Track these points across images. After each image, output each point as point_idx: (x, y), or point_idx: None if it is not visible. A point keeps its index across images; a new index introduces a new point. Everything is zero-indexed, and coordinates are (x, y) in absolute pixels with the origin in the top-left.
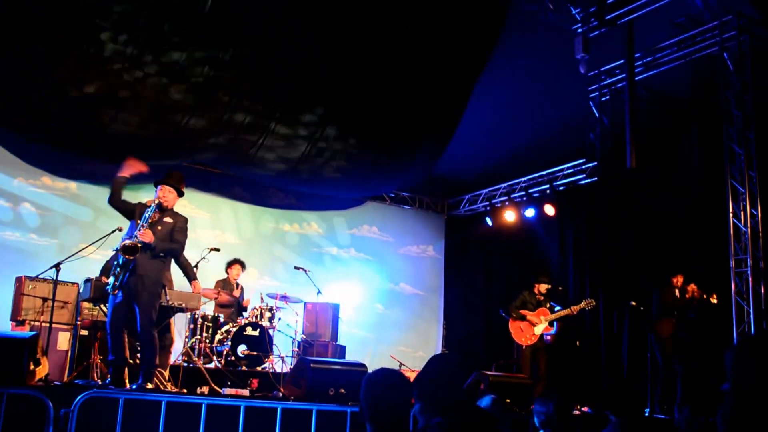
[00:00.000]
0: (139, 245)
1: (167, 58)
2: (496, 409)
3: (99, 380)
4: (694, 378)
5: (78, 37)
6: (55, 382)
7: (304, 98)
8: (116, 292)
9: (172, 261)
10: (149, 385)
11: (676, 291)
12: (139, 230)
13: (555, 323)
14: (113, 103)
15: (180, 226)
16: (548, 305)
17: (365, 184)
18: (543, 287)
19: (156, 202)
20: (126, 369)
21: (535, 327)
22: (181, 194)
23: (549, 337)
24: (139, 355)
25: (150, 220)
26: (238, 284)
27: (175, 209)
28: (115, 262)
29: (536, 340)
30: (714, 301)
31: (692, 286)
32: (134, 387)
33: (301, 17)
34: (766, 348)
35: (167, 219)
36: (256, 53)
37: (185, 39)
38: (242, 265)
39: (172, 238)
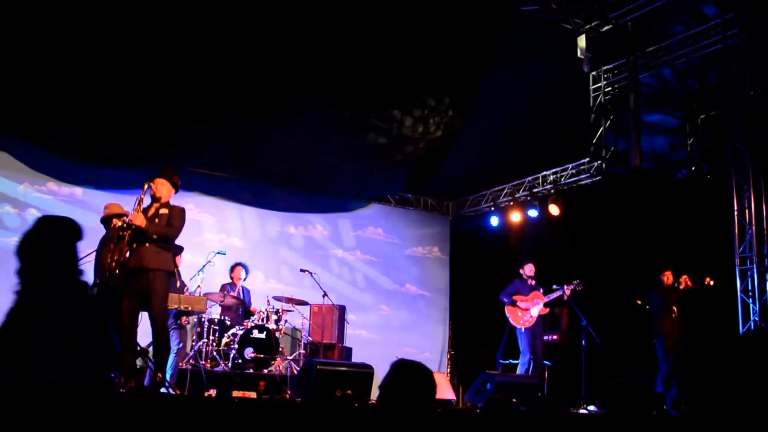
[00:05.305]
0: (133, 226)
1: None
2: None
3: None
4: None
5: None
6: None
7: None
8: (115, 267)
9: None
10: (162, 386)
11: (669, 284)
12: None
13: (561, 322)
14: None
15: (175, 214)
16: (542, 290)
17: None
18: (529, 269)
19: (143, 195)
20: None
21: (532, 309)
22: (175, 186)
23: (556, 336)
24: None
25: (149, 212)
26: (243, 288)
27: (173, 203)
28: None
29: (533, 322)
30: (709, 282)
31: (684, 277)
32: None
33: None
34: (762, 347)
35: (163, 210)
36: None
37: None
38: (245, 267)
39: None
